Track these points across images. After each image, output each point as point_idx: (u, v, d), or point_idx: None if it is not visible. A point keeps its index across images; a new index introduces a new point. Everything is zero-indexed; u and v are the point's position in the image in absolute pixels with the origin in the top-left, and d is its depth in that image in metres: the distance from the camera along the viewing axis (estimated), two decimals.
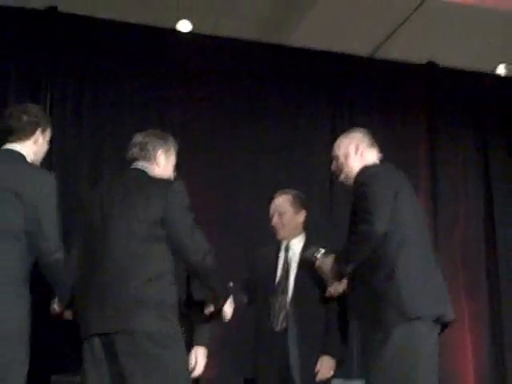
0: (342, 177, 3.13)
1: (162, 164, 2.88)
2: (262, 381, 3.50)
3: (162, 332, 2.56)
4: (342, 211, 5.06)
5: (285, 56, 5.27)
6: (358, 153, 3.08)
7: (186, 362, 2.80)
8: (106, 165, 4.82)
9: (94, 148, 4.85)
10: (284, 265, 3.57)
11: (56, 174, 4.22)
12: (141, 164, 2.83)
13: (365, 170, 2.98)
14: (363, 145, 3.11)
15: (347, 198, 5.01)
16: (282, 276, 3.50)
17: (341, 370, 3.78)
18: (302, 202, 3.65)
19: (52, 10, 4.79)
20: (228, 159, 5.06)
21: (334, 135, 5.12)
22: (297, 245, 3.60)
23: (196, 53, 5.09)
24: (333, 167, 3.18)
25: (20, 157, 2.77)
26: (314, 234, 3.72)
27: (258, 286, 3.55)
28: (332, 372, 3.40)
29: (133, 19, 4.93)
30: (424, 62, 5.55)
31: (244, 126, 5.20)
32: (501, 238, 5.55)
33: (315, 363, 3.37)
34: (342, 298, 3.27)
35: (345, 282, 3.11)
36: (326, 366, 3.37)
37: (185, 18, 4.92)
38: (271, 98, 5.28)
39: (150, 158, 2.84)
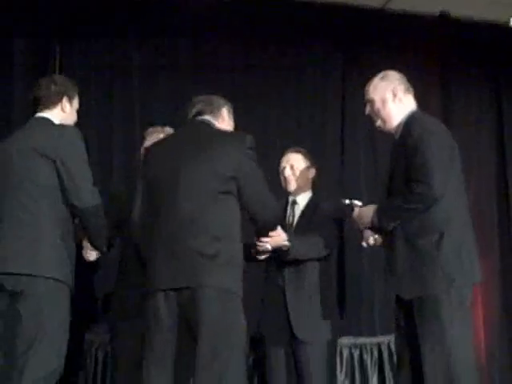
0: (379, 123, 3.07)
1: (226, 119, 2.95)
2: (267, 338, 3.56)
3: (229, 290, 2.59)
4: (354, 165, 5.32)
5: (295, 8, 5.20)
6: (396, 98, 3.03)
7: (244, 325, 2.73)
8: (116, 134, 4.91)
9: (105, 117, 4.93)
10: (289, 219, 3.65)
11: None
12: (207, 117, 2.86)
13: (419, 121, 2.92)
14: (401, 88, 3.06)
15: (359, 151, 5.30)
16: (288, 231, 3.53)
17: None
18: (312, 160, 3.74)
19: None
20: (236, 115, 5.08)
21: (344, 88, 5.40)
22: (302, 201, 3.68)
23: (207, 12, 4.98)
24: (368, 111, 3.11)
25: (47, 121, 2.89)
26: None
27: None
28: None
29: None
30: (436, 13, 5.46)
31: (253, 79, 5.24)
32: None
33: (311, 318, 3.47)
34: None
35: (376, 236, 3.06)
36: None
37: None
38: (282, 51, 5.29)
39: (215, 112, 2.89)
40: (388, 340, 4.89)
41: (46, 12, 4.77)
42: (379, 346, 4.94)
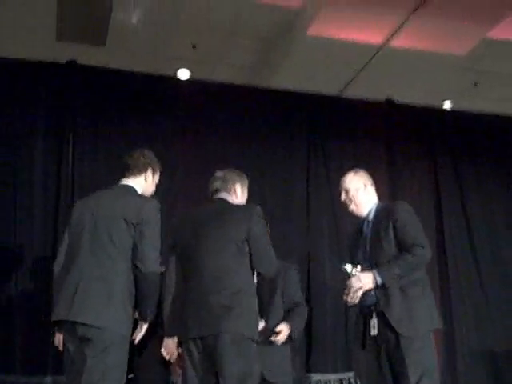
0: (353, 207, 3.67)
1: (239, 195, 3.41)
2: None
3: (245, 335, 2.99)
4: (318, 228, 5.90)
5: (267, 96, 6.00)
6: (366, 189, 3.68)
7: (256, 368, 3.10)
8: None
9: (110, 180, 5.45)
10: None
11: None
12: (223, 194, 3.34)
13: (402, 205, 3.61)
14: (370, 182, 3.72)
15: (321, 215, 5.89)
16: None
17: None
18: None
19: (72, 62, 5.49)
20: None
21: (310, 162, 6.07)
22: None
23: (193, 96, 5.78)
24: (343, 198, 3.69)
25: (131, 189, 3.26)
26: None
27: None
28: None
29: (138, 69, 5.66)
30: (383, 99, 6.29)
31: (236, 152, 5.80)
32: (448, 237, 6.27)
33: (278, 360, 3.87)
34: None
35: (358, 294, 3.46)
36: None
37: (185, 67, 5.70)
38: (257, 131, 5.96)
39: (230, 190, 3.36)
40: (348, 376, 5.54)
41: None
42: (341, 381, 5.55)
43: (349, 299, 3.46)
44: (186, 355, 3.08)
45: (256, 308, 3.12)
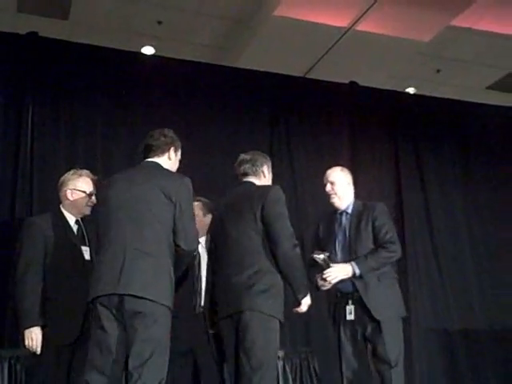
0: (336, 199, 3.94)
1: (267, 176, 3.56)
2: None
3: (264, 311, 3.15)
4: None
5: (233, 75, 5.94)
6: (349, 185, 4.00)
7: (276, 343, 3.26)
8: None
9: (71, 153, 5.33)
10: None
11: (36, 177, 5.10)
12: (251, 179, 3.50)
13: (382, 206, 3.96)
14: (352, 181, 4.06)
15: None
16: None
17: None
18: (209, 208, 4.14)
19: (33, 34, 5.31)
20: (183, 159, 5.53)
21: (273, 141, 6.02)
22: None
23: (157, 72, 5.65)
24: (328, 189, 3.94)
25: (161, 167, 3.28)
26: None
27: None
28: None
29: (101, 44, 5.51)
30: (347, 82, 6.32)
31: (198, 129, 5.71)
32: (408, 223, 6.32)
33: None
34: None
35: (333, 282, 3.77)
36: None
37: (149, 44, 5.67)
38: (221, 110, 5.87)
39: (258, 173, 3.51)
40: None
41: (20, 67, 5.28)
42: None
43: (326, 284, 3.76)
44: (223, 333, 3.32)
45: (279, 286, 3.25)
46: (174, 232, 3.12)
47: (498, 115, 6.84)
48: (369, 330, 3.74)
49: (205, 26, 5.61)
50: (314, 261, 3.74)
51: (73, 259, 3.57)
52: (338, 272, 3.72)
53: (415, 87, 6.69)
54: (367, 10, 5.44)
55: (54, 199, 4.73)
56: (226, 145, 5.84)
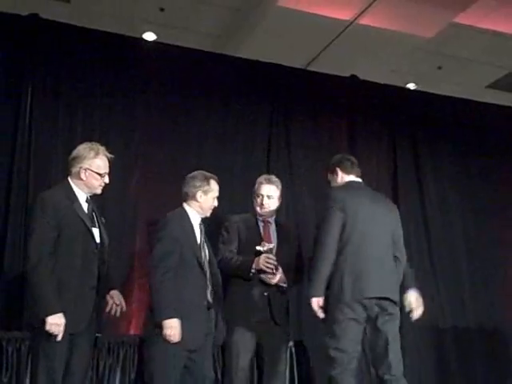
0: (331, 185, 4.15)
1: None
2: None
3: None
4: None
5: (234, 65, 5.91)
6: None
7: None
8: None
9: (68, 137, 5.28)
10: None
11: (34, 161, 5.06)
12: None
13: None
14: None
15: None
16: None
17: None
18: None
19: (34, 16, 5.30)
20: (181, 147, 5.58)
21: (272, 133, 5.98)
22: None
23: (158, 59, 5.63)
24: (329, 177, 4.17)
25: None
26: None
27: None
28: None
29: (105, 29, 5.49)
30: (348, 75, 6.30)
31: (197, 117, 5.70)
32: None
33: None
34: None
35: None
36: None
37: (151, 31, 5.63)
38: (220, 99, 5.84)
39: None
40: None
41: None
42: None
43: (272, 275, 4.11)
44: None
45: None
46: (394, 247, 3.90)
47: (496, 114, 6.84)
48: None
49: (207, 15, 5.57)
50: (259, 252, 4.07)
51: (84, 243, 3.46)
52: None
53: (415, 83, 6.67)
54: (371, 3, 5.42)
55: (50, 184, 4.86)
56: (223, 134, 5.85)
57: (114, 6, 5.39)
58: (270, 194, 4.39)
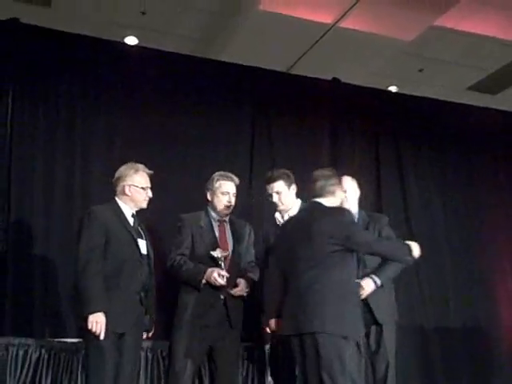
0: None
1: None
2: None
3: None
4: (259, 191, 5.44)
5: (215, 69, 5.88)
6: (357, 194, 4.34)
7: None
8: (58, 166, 5.22)
9: (48, 144, 5.25)
10: None
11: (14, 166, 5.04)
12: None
13: (386, 219, 4.35)
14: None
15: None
16: None
17: None
18: None
19: (15, 21, 5.22)
20: (164, 151, 5.53)
21: (254, 136, 5.94)
22: None
23: (139, 63, 5.58)
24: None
25: None
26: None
27: None
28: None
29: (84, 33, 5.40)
30: (329, 78, 6.29)
31: (178, 122, 5.64)
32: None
33: None
34: None
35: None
36: None
37: (133, 35, 5.63)
38: (202, 103, 5.76)
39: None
40: None
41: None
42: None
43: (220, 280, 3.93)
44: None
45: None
46: None
47: (477, 116, 6.87)
48: (372, 331, 4.06)
49: (189, 18, 5.58)
50: (212, 257, 3.97)
51: (130, 251, 3.67)
52: (364, 290, 3.95)
53: (397, 86, 6.70)
54: (351, 7, 5.46)
55: (29, 183, 5.07)
56: (205, 139, 5.78)
57: (96, 10, 5.36)
58: (234, 192, 4.25)
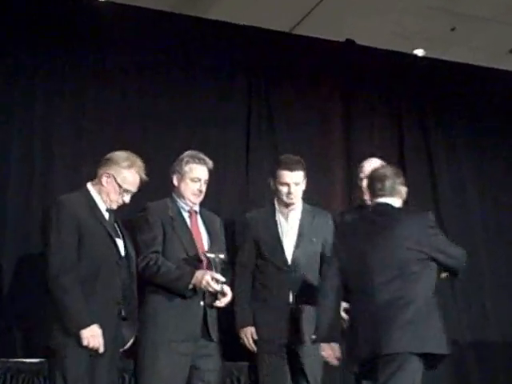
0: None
1: None
2: None
3: None
4: (256, 179, 5.36)
5: (202, 29, 5.38)
6: None
7: None
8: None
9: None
10: None
11: None
12: None
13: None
14: None
15: (262, 165, 5.40)
16: None
17: None
18: None
19: None
20: (141, 131, 5.19)
21: (250, 107, 5.51)
22: None
23: (113, 22, 5.14)
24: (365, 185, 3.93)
25: None
26: None
27: None
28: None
29: None
30: (342, 39, 5.77)
31: (164, 90, 5.29)
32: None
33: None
34: None
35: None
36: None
37: None
38: (186, 72, 5.39)
39: None
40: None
41: None
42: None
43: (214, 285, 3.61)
44: None
45: None
46: None
47: None
48: None
49: None
50: (207, 258, 3.66)
51: (108, 251, 3.38)
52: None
53: (424, 48, 6.12)
54: None
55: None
56: (195, 114, 5.36)
57: None
58: (206, 179, 3.86)
